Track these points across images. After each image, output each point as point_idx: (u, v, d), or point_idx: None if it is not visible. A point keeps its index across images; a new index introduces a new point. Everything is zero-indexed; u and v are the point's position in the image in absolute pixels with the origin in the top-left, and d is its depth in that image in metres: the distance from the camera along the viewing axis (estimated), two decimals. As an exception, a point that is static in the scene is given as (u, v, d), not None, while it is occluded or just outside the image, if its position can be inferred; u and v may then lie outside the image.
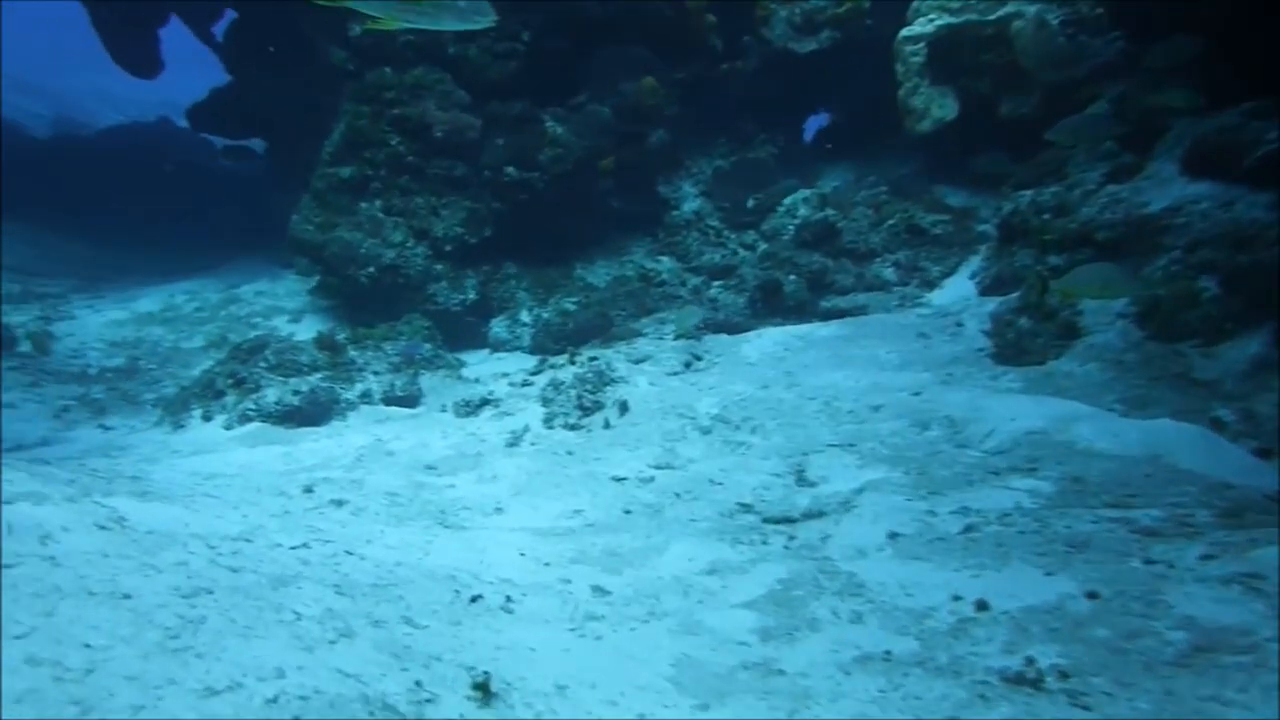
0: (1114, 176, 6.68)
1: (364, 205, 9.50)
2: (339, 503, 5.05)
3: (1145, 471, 4.43)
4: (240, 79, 13.25)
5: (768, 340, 7.43)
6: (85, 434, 7.42)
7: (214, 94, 13.31)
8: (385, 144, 9.55)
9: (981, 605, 3.53)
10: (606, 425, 6.35)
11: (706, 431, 6.13)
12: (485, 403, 6.94)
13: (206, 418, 7.23)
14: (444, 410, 7.25)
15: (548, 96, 9.63)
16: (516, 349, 9.44)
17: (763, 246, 9.48)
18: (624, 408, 6.46)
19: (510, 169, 9.35)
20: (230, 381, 7.35)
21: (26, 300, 10.99)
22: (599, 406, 6.55)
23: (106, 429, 7.53)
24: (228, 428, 7.02)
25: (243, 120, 13.23)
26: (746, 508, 5.04)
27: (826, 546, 4.44)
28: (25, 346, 9.46)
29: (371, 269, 9.19)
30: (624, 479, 5.58)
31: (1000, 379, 5.96)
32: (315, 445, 6.45)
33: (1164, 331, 5.50)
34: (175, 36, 15.26)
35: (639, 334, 8.15)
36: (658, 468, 5.73)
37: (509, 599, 3.90)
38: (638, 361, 7.31)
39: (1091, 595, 3.40)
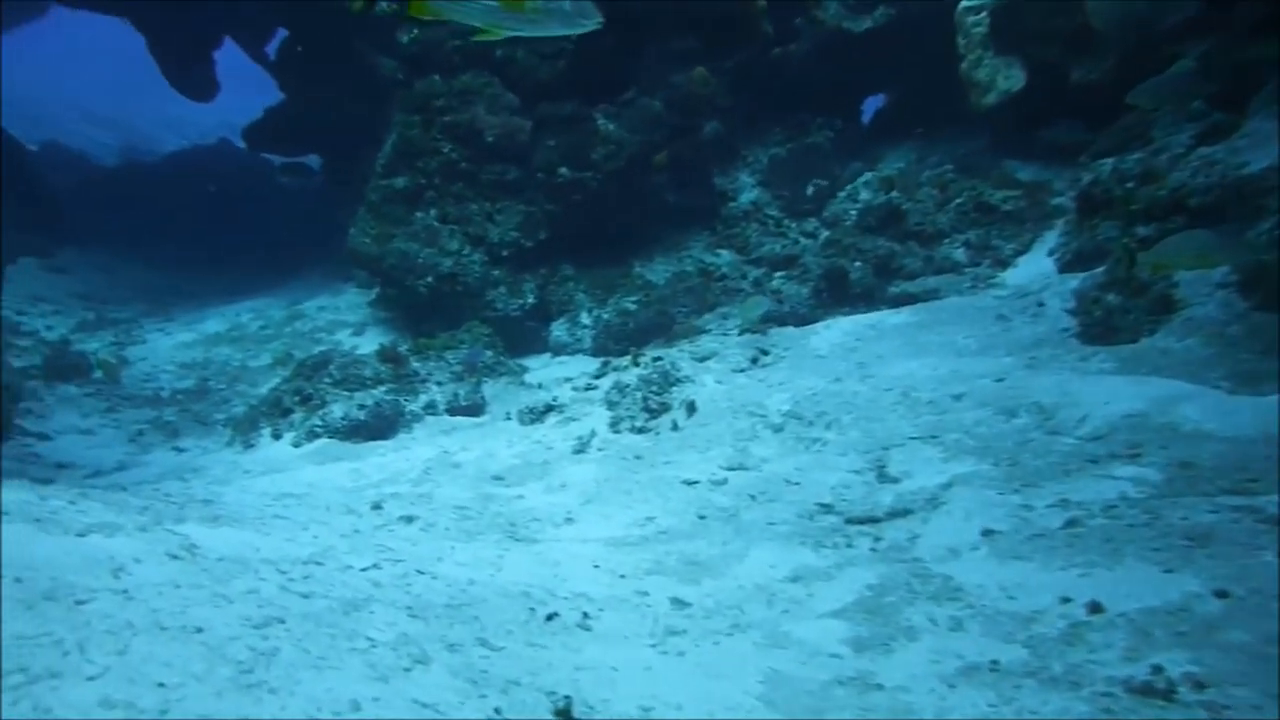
0: (1205, 138, 6.25)
1: (419, 215, 9.47)
2: (408, 519, 4.96)
3: (1264, 453, 4.08)
4: (293, 96, 13.40)
5: (837, 331, 7.17)
6: (160, 457, 7.50)
7: (268, 113, 13.48)
8: (437, 152, 9.51)
9: (1095, 607, 3.26)
10: (674, 427, 6.17)
11: (779, 429, 5.91)
12: (549, 409, 6.82)
13: (276, 436, 7.25)
14: (508, 418, 7.16)
15: (597, 94, 9.47)
16: (578, 352, 9.31)
17: (825, 234, 9.19)
18: (691, 408, 6.28)
19: (563, 169, 9.23)
20: (297, 399, 7.37)
21: (101, 327, 11.26)
22: (666, 408, 6.37)
23: (180, 451, 7.61)
24: (296, 445, 7.03)
25: (297, 137, 13.38)
26: (827, 508, 4.81)
27: (916, 547, 4.19)
28: (100, 373, 9.66)
29: (429, 278, 9.16)
30: (696, 483, 5.40)
31: (1090, 360, 5.62)
32: (382, 460, 6.40)
33: (1272, 300, 5.10)
34: (232, 59, 15.56)
35: (702, 331, 7.95)
36: (730, 469, 5.54)
37: (586, 615, 3.75)
38: (703, 359, 7.13)
39: (1221, 594, 3.10)
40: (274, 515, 4.90)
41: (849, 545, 4.34)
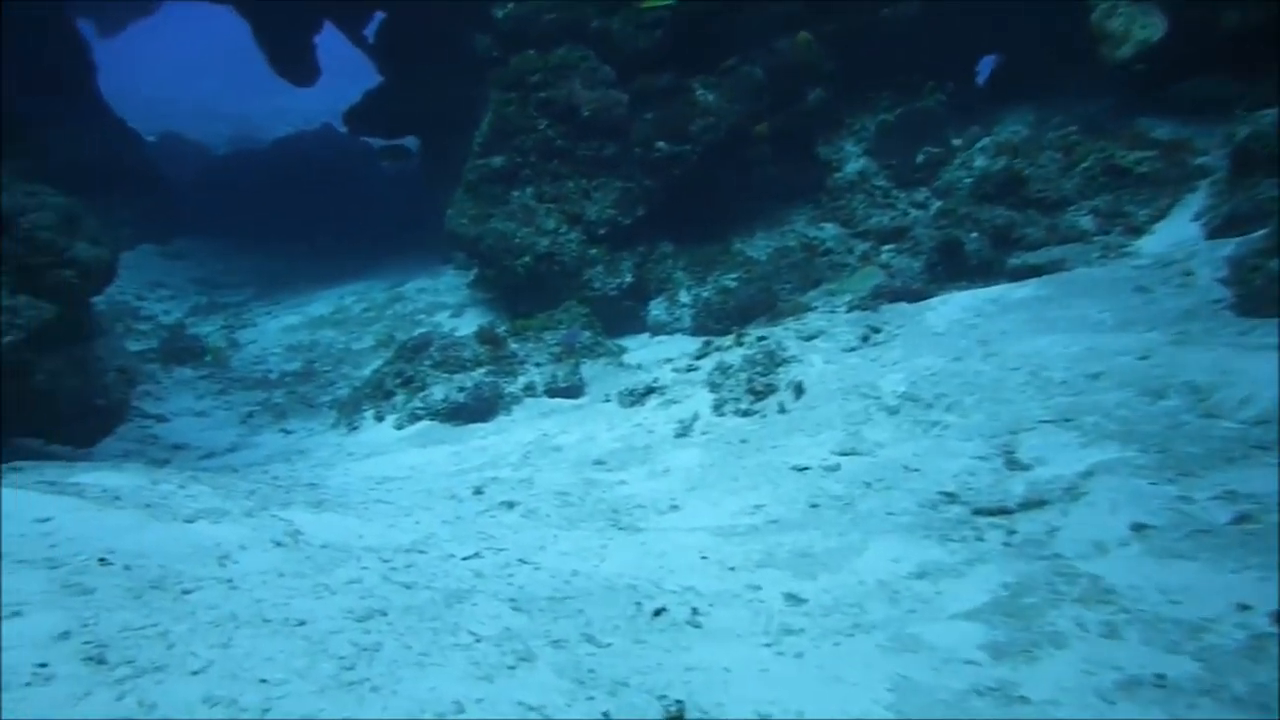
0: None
1: (516, 194, 9.38)
2: (509, 504, 4.85)
3: None
4: (392, 79, 13.51)
5: (955, 306, 6.72)
6: (269, 438, 7.65)
7: (368, 96, 13.63)
8: (533, 129, 9.39)
9: (1280, 618, 2.86)
10: (781, 410, 5.89)
11: (894, 412, 5.55)
12: (650, 391, 6.62)
13: (378, 418, 7.28)
14: (608, 400, 7.00)
15: (696, 63, 9.17)
16: (677, 331, 9.10)
17: (936, 204, 8.69)
18: (799, 390, 5.98)
19: (661, 144, 8.98)
20: (398, 381, 7.38)
21: (214, 311, 11.62)
22: (772, 390, 6.09)
23: (288, 433, 7.74)
24: (398, 427, 7.04)
25: (396, 119, 13.49)
26: (951, 497, 4.47)
27: (1055, 542, 3.82)
28: (210, 358, 9.95)
29: (527, 258, 9.06)
30: (806, 468, 5.11)
31: (1250, 334, 5.06)
32: (482, 443, 6.33)
33: None
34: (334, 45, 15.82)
35: (808, 308, 7.61)
36: (843, 454, 5.23)
37: (695, 611, 3.54)
38: (809, 338, 6.79)
39: None
40: (376, 500, 4.86)
41: (979, 539, 4.00)
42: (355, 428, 7.30)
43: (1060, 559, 3.67)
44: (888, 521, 4.34)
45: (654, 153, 9.04)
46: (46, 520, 3.13)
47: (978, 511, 4.23)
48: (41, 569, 2.82)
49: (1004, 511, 4.19)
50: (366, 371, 8.89)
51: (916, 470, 4.85)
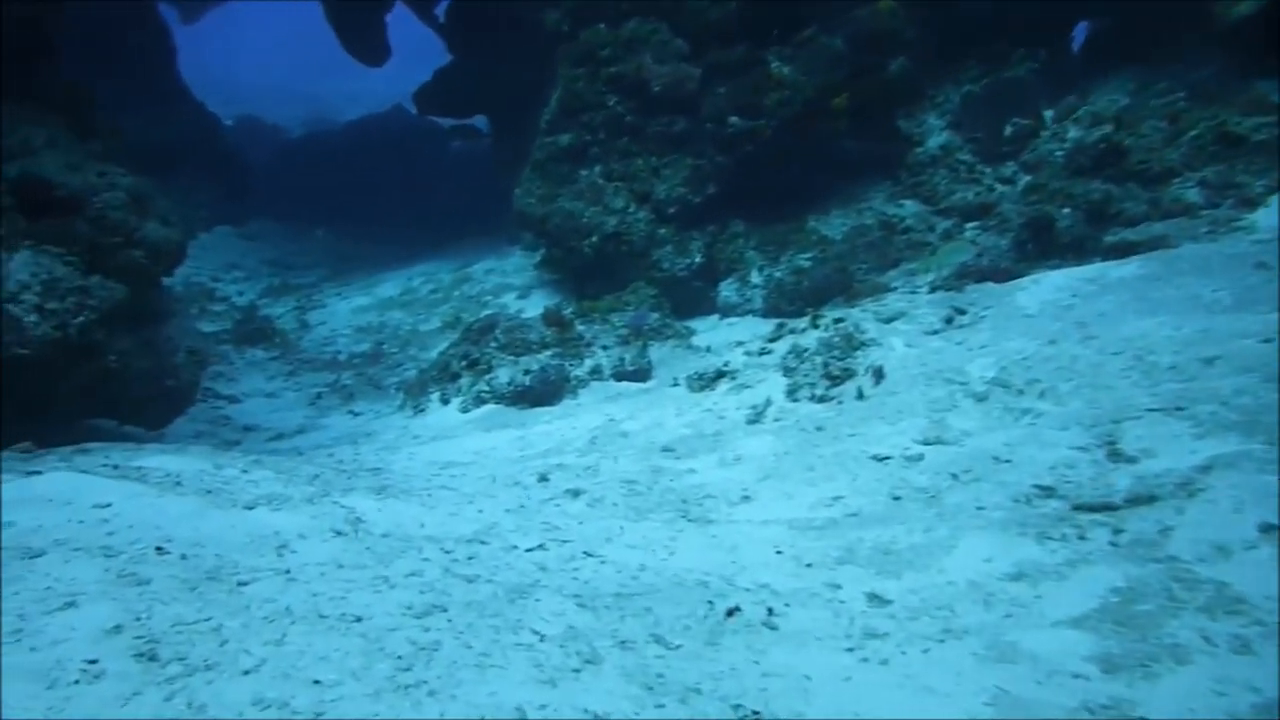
0: None
1: (584, 172, 9.19)
2: (575, 493, 4.68)
3: None
4: (462, 57, 13.43)
5: (1048, 286, 6.31)
6: (336, 420, 7.64)
7: (438, 75, 13.57)
8: (602, 105, 9.17)
9: None
10: (860, 395, 5.59)
11: (982, 399, 5.22)
12: (721, 374, 6.38)
13: (444, 400, 7.20)
14: (676, 384, 6.78)
15: (772, 34, 8.81)
16: (748, 313, 8.83)
17: (1025, 179, 8.21)
18: (879, 374, 5.67)
19: (734, 119, 8.67)
20: (464, 363, 7.28)
21: (286, 292, 11.75)
22: (849, 374, 5.79)
23: (355, 415, 7.73)
24: (464, 410, 6.95)
25: (466, 99, 13.42)
26: (1047, 491, 4.14)
27: (1170, 542, 3.48)
28: (279, 340, 10.03)
29: (594, 238, 8.88)
30: (887, 458, 4.82)
31: (1389, 317, 4.60)
32: (548, 427, 6.19)
33: None
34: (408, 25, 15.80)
35: (887, 288, 7.26)
36: (926, 443, 4.92)
37: (771, 611, 3.32)
38: (889, 320, 6.46)
39: None
40: (440, 486, 4.74)
41: (1081, 537, 3.67)
42: (421, 410, 7.23)
43: (1177, 562, 3.33)
44: (978, 517, 4.04)
45: (726, 128, 8.74)
46: (106, 506, 3.06)
47: (1078, 507, 3.91)
48: (98, 557, 2.74)
49: (1109, 508, 3.85)
50: (433, 353, 8.84)
51: (1008, 461, 4.53)
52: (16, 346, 4.56)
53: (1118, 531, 3.66)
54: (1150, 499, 3.82)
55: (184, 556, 2.87)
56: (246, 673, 2.36)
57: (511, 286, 10.41)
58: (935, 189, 8.79)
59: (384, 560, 3.28)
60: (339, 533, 3.47)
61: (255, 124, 24.48)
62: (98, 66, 12.14)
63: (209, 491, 3.51)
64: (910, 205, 8.95)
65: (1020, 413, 4.99)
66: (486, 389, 6.98)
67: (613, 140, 9.07)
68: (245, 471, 4.14)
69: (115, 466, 3.72)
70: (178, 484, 3.51)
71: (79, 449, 4.11)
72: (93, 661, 2.21)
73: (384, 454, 5.89)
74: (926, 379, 5.54)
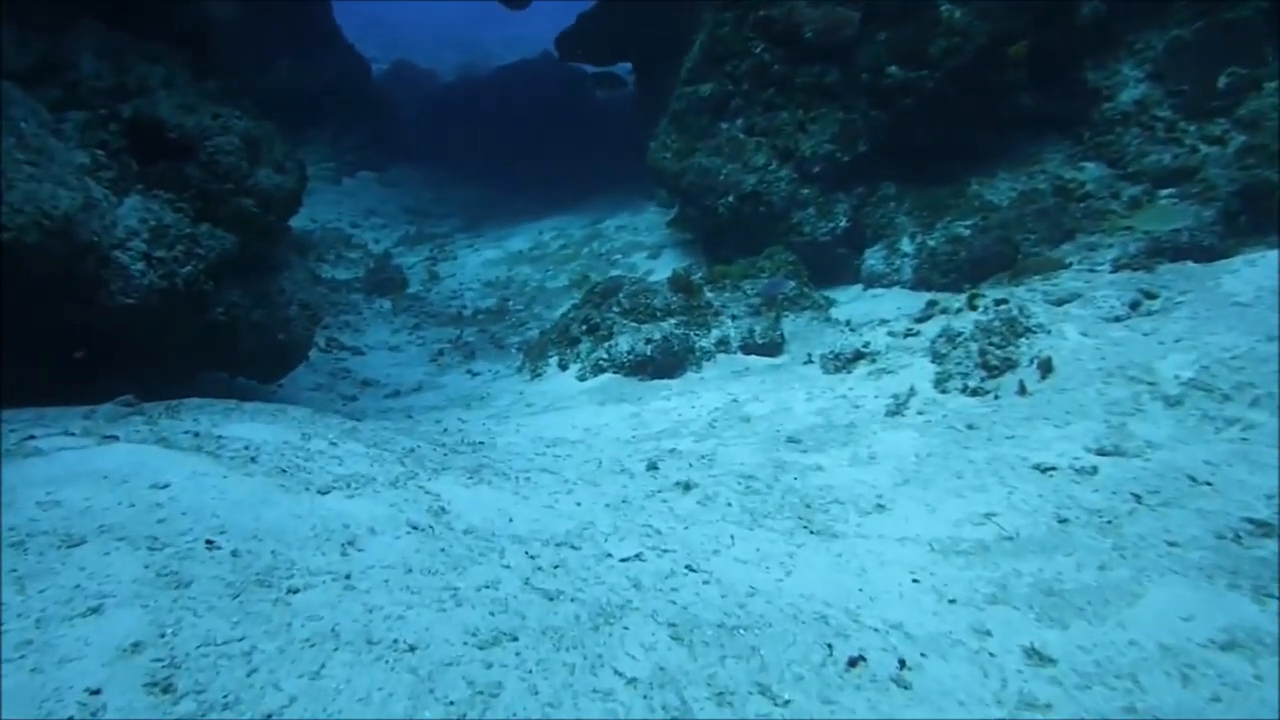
0: None
1: (724, 126, 8.57)
2: (685, 486, 4.20)
3: None
4: (606, 1, 12.91)
5: (1265, 269, 5.29)
6: (454, 379, 7.45)
7: (581, 20, 13.11)
8: (748, 53, 8.48)
9: None
10: (1022, 391, 4.84)
11: (1175, 403, 4.39)
12: (859, 355, 5.73)
13: (562, 366, 6.86)
14: (809, 362, 6.18)
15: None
16: (895, 284, 8.06)
17: (1239, 139, 7.02)
18: (1046, 367, 4.89)
19: (893, 68, 7.81)
20: (584, 328, 6.90)
21: (420, 241, 11.72)
22: (1010, 365, 5.04)
23: (473, 375, 7.51)
24: (581, 378, 6.58)
25: (609, 44, 12.92)
26: (1263, 528, 3.37)
27: None
28: (415, 288, 9.97)
29: (730, 198, 8.27)
30: (1052, 469, 4.11)
31: None
32: (666, 404, 5.73)
33: None
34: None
35: (1060, 265, 6.34)
36: (1101, 454, 4.17)
37: (903, 664, 2.76)
38: (1060, 303, 5.60)
39: None
40: (541, 469, 4.37)
41: (1313, 599, 2.92)
42: (538, 375, 6.92)
43: None
44: (1170, 556, 3.32)
45: (884, 79, 7.90)
46: (164, 487, 2.81)
47: (1307, 558, 3.14)
48: (141, 550, 2.48)
49: (1348, 563, 3.07)
50: (557, 312, 8.54)
51: (1208, 484, 3.75)
52: (123, 296, 4.46)
53: (1362, 596, 2.88)
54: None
55: (235, 553, 2.58)
56: (269, 717, 2.02)
57: (642, 245, 9.95)
58: (1124, 150, 7.68)
59: (458, 566, 2.91)
60: (415, 527, 3.13)
61: (409, 69, 24.85)
62: (253, 5, 12.33)
63: (283, 471, 3.24)
64: (1092, 168, 7.88)
65: (1225, 423, 4.16)
66: (605, 357, 6.59)
67: (757, 91, 8.39)
68: (334, 444, 3.88)
69: (196, 434, 3.51)
70: (252, 460, 3.25)
71: (170, 408, 3.95)
72: (95, 692, 1.92)
73: (491, 424, 5.59)
74: (1104, 375, 4.74)
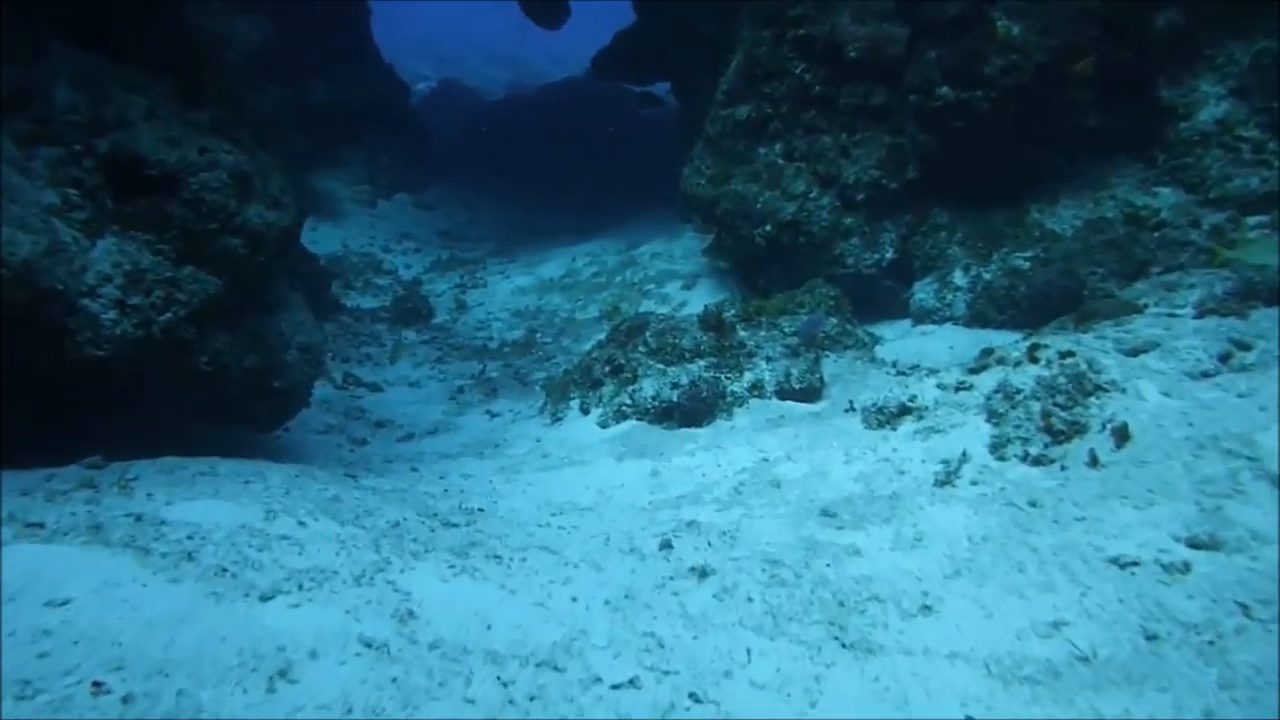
0: None
1: (762, 150, 8.05)
2: (702, 573, 3.68)
3: None
4: (648, 19, 12.48)
5: (1382, 322, 4.61)
6: (472, 420, 7.02)
7: (618, 38, 12.71)
8: (788, 73, 7.97)
9: None
10: (1093, 462, 4.22)
11: (1280, 484, 3.75)
12: (905, 410, 5.15)
13: (584, 409, 6.39)
14: (850, 410, 5.62)
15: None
16: (947, 320, 7.45)
17: (1337, 164, 6.29)
18: (1122, 434, 4.27)
19: (944, 89, 7.22)
20: (608, 368, 6.42)
21: (451, 267, 11.37)
22: (1079, 429, 4.43)
23: (492, 416, 7.08)
24: (602, 425, 6.10)
25: (647, 64, 12.49)
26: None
27: None
28: (442, 318, 9.60)
29: (767, 227, 7.74)
30: (1134, 564, 3.51)
31: None
32: (690, 461, 5.21)
33: None
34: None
35: (1134, 308, 5.68)
36: (1194, 546, 3.56)
37: None
38: (1136, 353, 4.95)
39: None
40: (540, 546, 3.88)
41: None
42: (558, 419, 6.46)
43: None
44: (1292, 697, 2.71)
45: (934, 100, 7.32)
46: (62, 604, 2.38)
47: None
48: (6, 700, 2.05)
49: None
50: (585, 346, 8.09)
51: (1337, 598, 3.12)
52: (91, 347, 4.09)
53: None
54: None
55: (128, 699, 2.13)
56: None
57: (677, 274, 9.46)
58: (1204, 173, 6.99)
59: (411, 703, 2.43)
60: (370, 645, 2.66)
61: (455, 88, 24.77)
62: (289, 23, 12.17)
63: (223, 571, 2.79)
64: (1167, 194, 7.19)
65: (1342, 513, 3.51)
66: (629, 402, 6.10)
67: (797, 114, 7.86)
68: (302, 524, 3.44)
69: (138, 518, 3.09)
70: (189, 557, 2.81)
71: (125, 480, 3.55)
72: None
73: (499, 481, 5.13)
74: (1194, 446, 4.10)
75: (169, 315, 4.37)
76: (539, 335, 8.89)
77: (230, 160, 4.67)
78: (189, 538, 2.98)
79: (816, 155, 7.72)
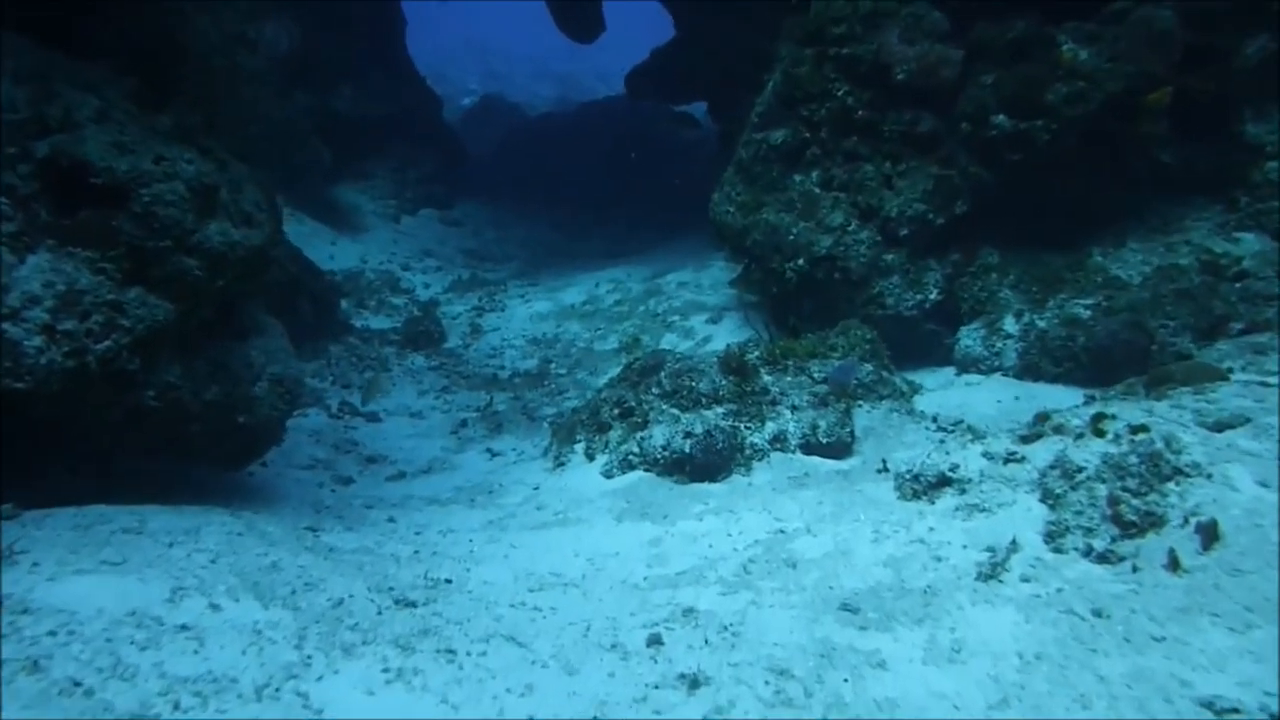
0: None
1: (798, 178, 7.45)
2: (693, 683, 3.06)
3: None
4: (684, 35, 11.97)
5: None
6: (471, 460, 6.47)
7: (654, 56, 12.19)
8: (829, 95, 7.37)
9: None
10: (1173, 565, 3.53)
11: None
12: (945, 481, 4.49)
13: (589, 455, 5.82)
14: (882, 472, 4.99)
15: (1069, 4, 6.61)
16: (995, 370, 6.78)
17: None
18: (1210, 533, 3.56)
19: (1000, 118, 6.57)
20: (616, 411, 5.84)
21: (471, 288, 10.88)
22: (1154, 522, 3.74)
23: (493, 455, 6.52)
24: (607, 474, 5.52)
25: (683, 83, 11.95)
26: None
27: None
28: (454, 342, 9.11)
29: (800, 261, 7.12)
30: (1233, 712, 2.82)
31: None
32: (696, 527, 4.59)
33: None
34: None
35: (1218, 375, 4.96)
36: (1305, 687, 2.86)
37: None
38: (1222, 428, 4.24)
39: None
40: (507, 635, 3.29)
41: None
42: (561, 464, 5.89)
43: None
44: None
45: (988, 130, 6.67)
46: None
47: None
48: None
49: None
50: (600, 380, 7.52)
51: None
52: (10, 379, 3.60)
53: None
54: None
55: None
56: None
57: (704, 306, 8.86)
58: (1291, 220, 6.26)
59: None
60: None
61: (498, 103, 24.48)
62: (320, 29, 11.86)
63: (74, 686, 2.24)
64: (1250, 240, 6.47)
65: None
66: (637, 451, 5.51)
67: (838, 139, 7.25)
68: (215, 608, 2.89)
69: (8, 596, 2.55)
70: (34, 666, 2.26)
71: (14, 545, 3.02)
72: None
73: (481, 540, 4.55)
74: (1296, 552, 3.39)
75: (108, 343, 3.87)
76: (553, 366, 8.34)
77: (191, 171, 4.17)
78: (51, 634, 2.44)
79: (857, 185, 7.09)
